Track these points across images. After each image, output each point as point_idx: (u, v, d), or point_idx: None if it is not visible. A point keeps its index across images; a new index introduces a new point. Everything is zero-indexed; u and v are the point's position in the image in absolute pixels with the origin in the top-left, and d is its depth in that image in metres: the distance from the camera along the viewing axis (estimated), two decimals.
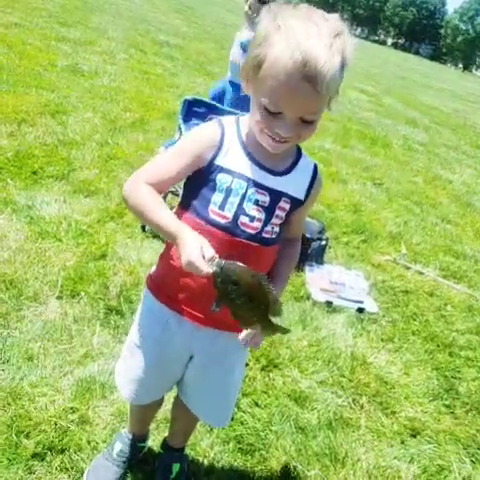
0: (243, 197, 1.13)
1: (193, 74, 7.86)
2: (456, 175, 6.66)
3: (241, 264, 1.03)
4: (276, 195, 1.16)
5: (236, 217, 1.14)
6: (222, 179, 1.13)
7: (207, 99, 3.43)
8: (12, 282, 2.33)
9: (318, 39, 0.96)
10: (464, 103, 16.90)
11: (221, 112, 3.36)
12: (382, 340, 2.66)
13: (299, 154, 1.22)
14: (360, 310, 2.82)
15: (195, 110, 3.35)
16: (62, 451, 1.64)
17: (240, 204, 1.14)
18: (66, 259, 2.62)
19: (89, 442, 1.70)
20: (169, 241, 1.14)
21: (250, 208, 1.14)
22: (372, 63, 18.27)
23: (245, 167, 1.14)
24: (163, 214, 1.11)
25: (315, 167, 1.24)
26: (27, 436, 1.65)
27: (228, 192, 1.13)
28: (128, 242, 2.92)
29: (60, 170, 3.51)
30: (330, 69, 0.97)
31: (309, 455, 1.88)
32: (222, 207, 1.14)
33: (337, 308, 2.82)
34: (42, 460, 1.60)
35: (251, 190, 1.14)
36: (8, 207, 2.93)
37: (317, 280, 2.99)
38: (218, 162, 1.13)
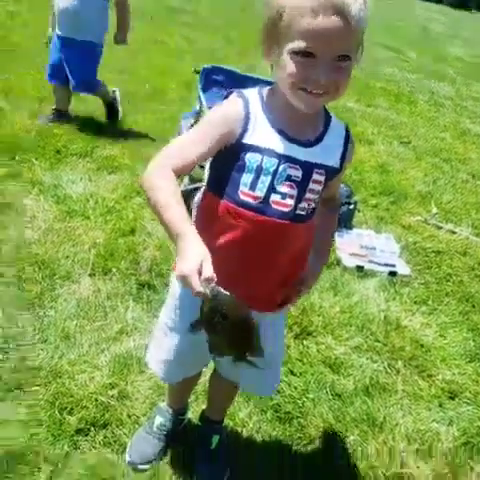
0: (274, 174, 1.09)
1: (211, 39, 7.67)
2: None
3: (235, 299, 0.94)
4: (309, 167, 1.12)
5: (268, 196, 1.10)
6: (251, 158, 1.09)
7: (226, 66, 3.35)
8: (44, 262, 2.37)
9: None
10: None
11: (241, 79, 3.28)
12: (415, 303, 2.62)
13: (327, 119, 1.17)
14: (392, 273, 2.77)
15: (214, 78, 3.29)
16: (104, 426, 1.69)
17: (272, 182, 1.09)
18: (96, 237, 2.64)
19: (130, 416, 1.74)
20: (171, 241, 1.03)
21: (282, 185, 1.10)
22: (394, 16, 17.48)
23: (274, 142, 1.09)
24: (175, 208, 1.01)
25: (347, 130, 1.20)
26: (70, 412, 1.70)
27: (258, 171, 1.09)
28: (155, 217, 2.91)
29: (83, 147, 3.52)
30: (357, 1, 0.94)
31: (347, 421, 1.89)
32: (253, 187, 1.10)
33: (368, 272, 2.78)
34: (86, 435, 1.65)
35: (283, 166, 1.09)
36: (35, 187, 2.97)
37: (347, 245, 2.95)
38: (246, 140, 1.08)
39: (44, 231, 2.59)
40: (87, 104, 4.19)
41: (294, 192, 1.11)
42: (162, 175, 1.04)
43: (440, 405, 2.06)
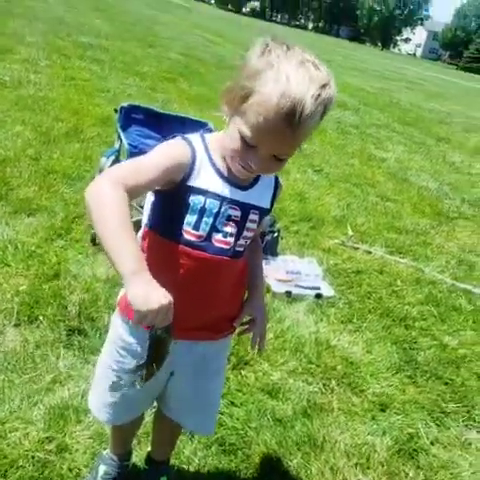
0: (217, 215, 1.15)
1: (122, 75, 7.68)
2: (389, 153, 6.93)
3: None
4: (246, 208, 1.20)
5: (210, 235, 1.16)
6: (195, 200, 1.14)
7: (142, 103, 3.40)
8: None
9: (307, 88, 0.99)
10: (387, 82, 17.53)
11: (160, 116, 3.34)
12: (342, 322, 2.76)
13: None
14: (318, 296, 2.91)
15: (133, 117, 3.32)
16: None
17: (214, 222, 1.16)
18: (18, 284, 2.54)
19: (70, 470, 1.67)
20: (118, 275, 0.99)
21: (223, 224, 1.17)
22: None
23: (216, 185, 1.15)
24: (131, 241, 0.97)
25: (276, 176, 1.29)
26: (4, 476, 1.60)
27: (202, 212, 1.14)
28: (80, 258, 2.86)
29: None
30: (312, 119, 1.02)
31: (289, 445, 1.95)
32: (196, 227, 1.15)
33: (296, 297, 2.90)
34: None
35: (224, 207, 1.16)
36: None
37: (274, 272, 3.05)
38: (191, 183, 1.13)
39: None
40: None
41: (234, 231, 1.18)
42: (114, 193, 0.99)
43: (373, 418, 2.18)
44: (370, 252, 3.61)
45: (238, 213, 1.18)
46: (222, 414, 2.00)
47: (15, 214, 3.18)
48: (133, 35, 12.41)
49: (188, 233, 1.15)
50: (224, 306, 1.29)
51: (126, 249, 0.96)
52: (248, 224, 1.21)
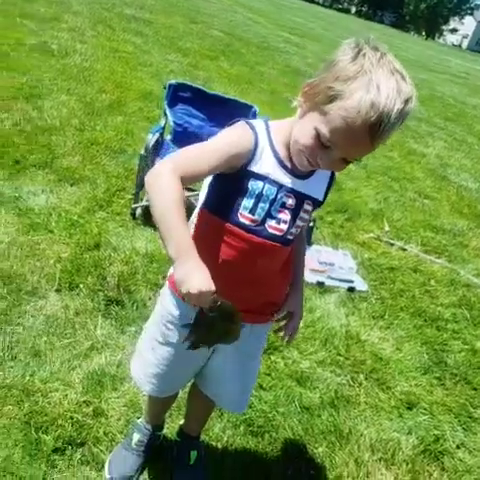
0: (273, 201, 1.18)
1: (165, 50, 7.69)
2: (429, 148, 6.80)
3: (231, 304, 1.07)
4: (301, 198, 1.21)
5: (264, 220, 1.18)
6: (254, 185, 1.16)
7: (190, 82, 3.41)
8: (9, 277, 2.32)
9: (394, 102, 1.01)
10: (430, 74, 17.06)
11: (208, 97, 3.34)
12: (373, 317, 2.77)
13: None
14: (351, 289, 2.91)
15: (180, 95, 3.34)
16: (81, 444, 1.69)
17: (269, 208, 1.18)
18: (60, 251, 2.61)
19: (106, 434, 1.74)
20: (168, 258, 1.05)
21: (278, 211, 1.19)
22: (337, 33, 18.15)
23: (275, 172, 1.17)
24: (183, 228, 1.03)
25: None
26: (45, 432, 1.68)
27: (259, 197, 1.17)
28: (120, 231, 2.91)
29: (42, 158, 3.45)
30: (391, 131, 1.04)
31: (316, 433, 1.98)
32: (252, 211, 1.17)
33: (328, 288, 2.91)
34: (63, 454, 1.64)
35: (280, 194, 1.18)
36: None
37: (307, 261, 3.03)
38: (251, 168, 1.16)
39: (7, 244, 2.54)
40: (43, 112, 4.11)
41: (288, 218, 1.20)
42: (171, 181, 1.04)
43: (400, 415, 2.20)
44: (405, 249, 3.58)
45: (293, 201, 1.20)
46: (251, 396, 2.03)
47: (59, 182, 3.25)
48: (177, 10, 12.36)
49: (243, 216, 1.18)
50: (270, 291, 1.33)
51: (177, 234, 1.02)
52: (302, 214, 1.23)
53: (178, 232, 1.02)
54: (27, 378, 1.86)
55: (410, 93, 1.03)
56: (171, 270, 1.36)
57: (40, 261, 2.49)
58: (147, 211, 2.95)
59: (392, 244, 3.61)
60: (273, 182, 1.17)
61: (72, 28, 7.12)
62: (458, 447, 2.13)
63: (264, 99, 6.44)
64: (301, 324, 2.49)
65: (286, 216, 1.20)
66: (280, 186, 1.17)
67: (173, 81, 3.21)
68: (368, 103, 1.00)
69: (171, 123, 3.12)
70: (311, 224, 3.26)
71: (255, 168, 1.16)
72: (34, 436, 1.66)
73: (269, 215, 1.18)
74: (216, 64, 7.92)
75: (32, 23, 6.67)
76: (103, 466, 1.64)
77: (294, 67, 9.73)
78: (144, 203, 3.03)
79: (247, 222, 1.18)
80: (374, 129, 1.02)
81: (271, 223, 1.19)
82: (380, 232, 3.71)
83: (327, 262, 3.09)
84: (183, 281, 1.01)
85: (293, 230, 1.22)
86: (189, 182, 1.11)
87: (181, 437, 1.73)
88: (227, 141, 1.15)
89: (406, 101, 1.02)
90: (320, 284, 2.89)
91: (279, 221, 1.20)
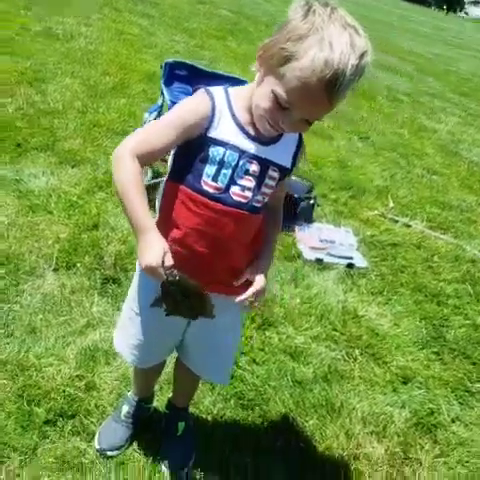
0: (235, 167, 1.17)
1: (171, 32, 7.62)
2: (441, 124, 6.66)
3: (189, 279, 1.14)
4: (265, 164, 1.20)
5: (228, 187, 1.18)
6: (215, 151, 1.16)
7: (188, 60, 3.38)
8: (8, 257, 2.36)
9: (348, 57, 0.99)
10: (447, 48, 16.65)
11: (205, 74, 3.31)
12: (372, 293, 2.75)
13: None
14: (350, 265, 2.90)
15: (176, 73, 3.31)
16: (72, 416, 1.73)
17: (232, 174, 1.18)
18: (59, 231, 2.64)
19: (97, 407, 1.78)
20: (133, 232, 1.16)
21: (241, 178, 1.19)
22: (348, 7, 17.63)
23: (236, 138, 1.17)
24: (140, 205, 1.12)
25: (300, 135, 1.28)
26: (38, 404, 1.73)
27: (221, 164, 1.17)
28: (118, 211, 2.92)
29: (44, 141, 3.47)
30: (349, 87, 1.04)
31: (307, 407, 1.99)
32: (215, 178, 1.18)
33: (327, 265, 2.89)
34: (54, 425, 1.69)
35: (243, 160, 1.17)
36: None
37: (307, 239, 3.05)
38: (210, 134, 1.16)
39: (6, 226, 2.58)
40: (46, 96, 4.13)
41: (252, 185, 1.20)
42: (128, 162, 1.13)
43: (394, 390, 2.19)
44: (409, 225, 3.54)
45: (257, 168, 1.19)
46: (243, 370, 2.06)
47: (60, 165, 3.28)
48: None
49: (207, 184, 1.18)
50: (238, 261, 1.32)
51: (135, 211, 1.13)
52: (267, 180, 1.22)
53: (136, 209, 1.13)
54: (22, 354, 1.91)
55: (365, 47, 1.01)
56: None
57: (38, 242, 2.53)
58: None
59: (396, 221, 3.56)
60: (234, 148, 1.16)
61: (78, 13, 7.10)
62: (453, 421, 2.13)
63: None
64: (297, 300, 2.55)
65: (250, 183, 1.20)
66: (242, 152, 1.17)
67: (169, 59, 3.18)
68: (322, 61, 0.99)
69: (168, 102, 3.11)
70: (312, 201, 3.24)
71: (214, 134, 1.16)
72: (27, 408, 1.70)
73: (233, 182, 1.18)
74: (223, 44, 7.83)
75: (38, 7, 6.66)
76: (93, 437, 1.68)
77: None
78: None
79: (211, 190, 1.18)
80: (330, 87, 1.00)
81: (235, 190, 1.19)
82: (384, 209, 3.67)
83: (328, 239, 3.08)
84: (139, 256, 1.13)
85: (259, 197, 1.22)
86: (148, 160, 1.19)
87: (169, 409, 1.76)
88: (182, 111, 1.17)
89: (361, 55, 1.01)
90: (319, 261, 2.88)
91: (243, 188, 1.19)
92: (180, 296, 1.13)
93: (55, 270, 2.38)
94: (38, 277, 2.31)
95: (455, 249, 3.42)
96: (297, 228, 3.12)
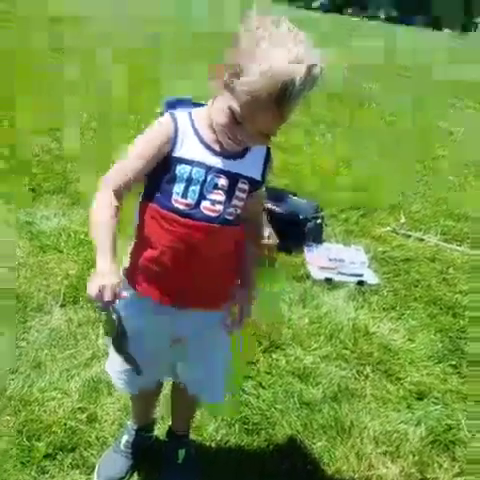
0: (203, 183, 1.20)
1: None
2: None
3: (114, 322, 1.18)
4: (233, 177, 1.23)
5: (198, 202, 1.21)
6: (181, 169, 1.19)
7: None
8: (17, 296, 2.42)
9: (297, 68, 1.01)
10: None
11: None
12: (384, 309, 2.68)
13: None
14: (360, 283, 2.84)
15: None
16: (73, 449, 1.72)
17: (201, 190, 1.20)
18: (68, 268, 2.70)
19: (98, 438, 1.77)
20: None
21: (211, 192, 1.21)
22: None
23: (201, 155, 1.20)
24: (104, 237, 1.18)
25: (268, 148, 1.29)
26: (38, 439, 1.73)
27: (188, 181, 1.20)
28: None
29: (57, 184, 3.61)
30: (299, 98, 1.06)
31: (315, 428, 1.93)
32: (184, 196, 1.20)
33: (337, 284, 2.84)
34: (54, 459, 1.68)
35: (210, 176, 1.20)
36: (10, 227, 3.03)
37: (316, 259, 3.02)
38: (175, 154, 1.19)
39: (17, 267, 2.65)
40: (61, 143, 4.30)
41: (222, 199, 1.22)
42: (102, 198, 1.21)
43: (408, 406, 2.10)
44: (423, 239, 3.46)
45: (225, 182, 1.21)
46: (248, 395, 2.02)
47: (72, 205, 3.38)
48: None
49: (177, 202, 1.20)
50: (217, 276, 1.32)
51: (98, 242, 1.18)
52: (237, 193, 1.24)
53: (99, 240, 1.18)
54: (25, 389, 1.92)
55: (312, 59, 1.02)
56: (125, 264, 1.40)
57: (47, 279, 2.59)
58: None
59: (409, 236, 3.49)
60: (200, 164, 1.19)
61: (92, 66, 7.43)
62: (474, 436, 2.01)
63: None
64: (306, 320, 2.50)
65: (220, 197, 1.22)
66: (208, 168, 1.20)
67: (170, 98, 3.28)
68: (269, 75, 1.01)
69: None
70: (319, 221, 3.22)
71: (179, 153, 1.19)
72: (27, 444, 1.70)
73: (202, 197, 1.20)
74: None
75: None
76: (93, 470, 1.66)
77: None
78: None
79: (181, 207, 1.20)
80: (279, 99, 1.03)
81: (205, 205, 1.21)
82: (395, 224, 3.60)
83: (337, 258, 3.04)
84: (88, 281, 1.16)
85: (230, 210, 1.24)
86: (125, 191, 1.22)
87: (169, 436, 1.73)
88: (146, 140, 1.21)
89: (310, 66, 1.02)
90: (328, 280, 2.84)
91: (213, 202, 1.21)
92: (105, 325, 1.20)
93: (62, 306, 2.42)
94: (46, 313, 2.36)
95: (471, 260, 3.31)
96: (306, 249, 3.10)
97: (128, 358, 1.26)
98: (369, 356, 2.32)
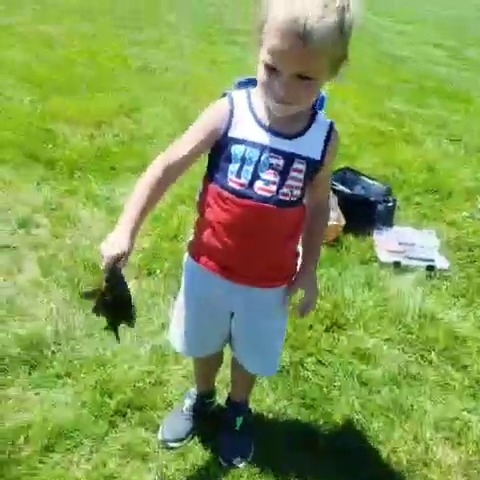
0: (257, 163, 1.22)
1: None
2: None
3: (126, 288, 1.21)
4: (289, 157, 1.23)
5: (252, 182, 1.23)
6: (236, 150, 1.23)
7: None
8: (95, 266, 2.60)
9: (311, 3, 1.00)
10: None
11: None
12: (454, 296, 2.60)
13: (313, 116, 1.27)
14: (430, 268, 2.76)
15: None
16: (140, 408, 1.85)
17: (255, 170, 1.22)
18: (143, 242, 2.86)
19: (163, 400, 1.89)
20: None
21: (265, 172, 1.22)
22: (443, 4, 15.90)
23: (256, 134, 1.22)
24: (134, 203, 1.17)
25: (331, 125, 1.28)
26: (110, 396, 1.88)
27: (243, 161, 1.22)
28: None
29: (137, 163, 3.77)
30: (321, 28, 1.00)
31: (373, 409, 1.94)
32: (239, 175, 1.23)
33: (406, 268, 2.78)
34: (123, 416, 1.82)
35: (264, 155, 1.21)
36: (90, 201, 3.25)
37: (385, 242, 2.96)
38: (231, 134, 1.23)
39: (96, 238, 2.84)
40: (140, 124, 4.49)
41: (276, 179, 1.23)
42: (153, 169, 1.22)
43: (473, 395, 2.05)
44: None
45: (281, 162, 1.22)
46: (308, 370, 2.06)
47: None
48: None
49: (232, 181, 1.24)
50: (274, 256, 1.35)
51: (128, 204, 1.18)
52: (292, 173, 1.24)
53: (130, 202, 1.17)
54: (100, 351, 2.09)
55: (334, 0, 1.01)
56: (190, 237, 1.48)
57: None
58: None
59: None
60: (255, 144, 1.21)
61: (173, 48, 7.61)
62: None
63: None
64: (370, 303, 2.48)
65: (274, 177, 1.23)
66: (263, 147, 1.21)
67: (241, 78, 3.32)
68: (285, 7, 1.02)
69: None
70: (390, 204, 3.15)
71: (234, 133, 1.22)
72: (100, 399, 1.86)
73: (256, 177, 1.22)
74: None
75: (138, 48, 7.26)
76: (158, 428, 1.79)
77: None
78: None
79: (236, 186, 1.24)
80: (298, 28, 1.00)
81: (259, 185, 1.23)
82: (474, 210, 3.44)
83: (407, 242, 2.97)
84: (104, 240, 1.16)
85: (285, 190, 1.24)
86: (180, 169, 1.25)
87: (228, 404, 1.82)
88: (200, 123, 1.25)
89: (326, 5, 1.00)
90: (396, 264, 2.78)
91: (267, 182, 1.23)
92: (110, 297, 1.18)
93: (136, 278, 2.57)
94: None
95: None
96: (375, 232, 3.05)
97: (110, 326, 1.29)
98: (435, 342, 2.27)
